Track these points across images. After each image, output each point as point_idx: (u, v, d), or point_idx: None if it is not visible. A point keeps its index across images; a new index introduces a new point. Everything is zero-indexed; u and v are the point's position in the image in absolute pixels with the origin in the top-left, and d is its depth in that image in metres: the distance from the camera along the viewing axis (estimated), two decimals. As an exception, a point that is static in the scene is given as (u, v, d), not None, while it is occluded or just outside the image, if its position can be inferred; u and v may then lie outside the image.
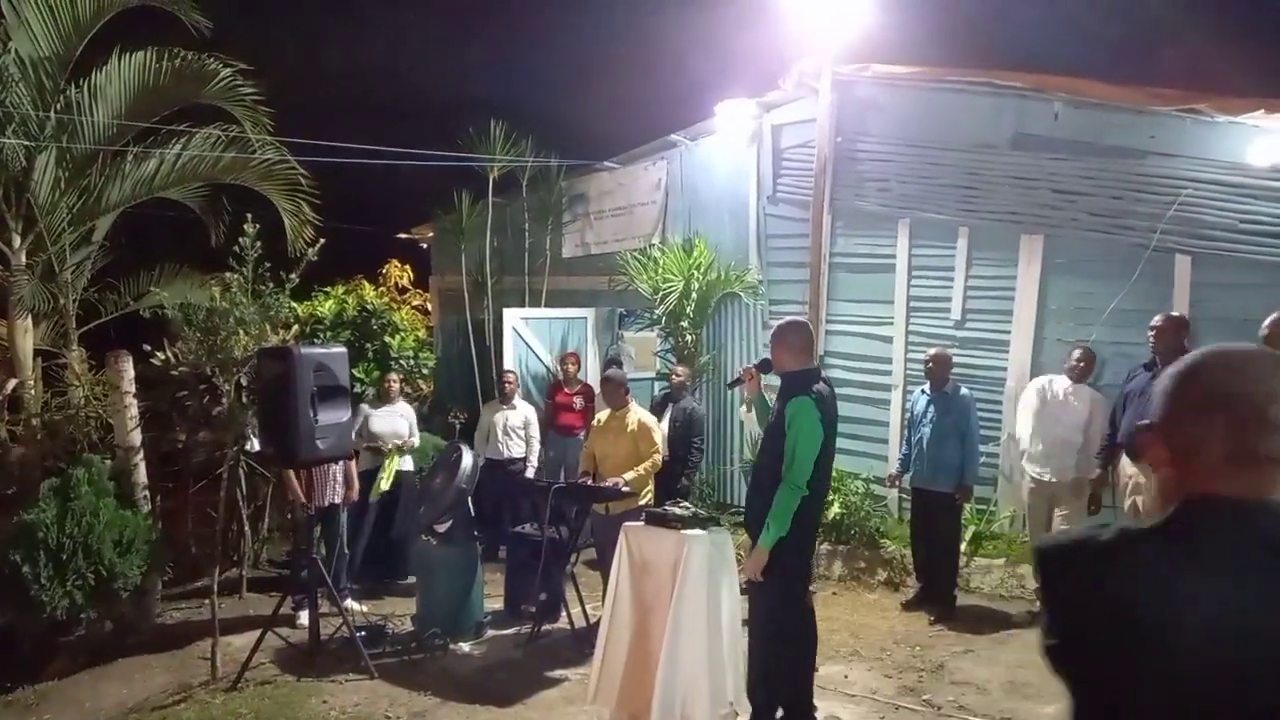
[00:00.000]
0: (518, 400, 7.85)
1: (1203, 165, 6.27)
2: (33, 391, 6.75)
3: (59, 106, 6.73)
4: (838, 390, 4.59)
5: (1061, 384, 6.02)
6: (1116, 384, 6.13)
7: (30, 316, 6.91)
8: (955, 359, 6.48)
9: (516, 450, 7.69)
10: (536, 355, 9.34)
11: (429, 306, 12.07)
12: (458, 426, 8.55)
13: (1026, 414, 6.11)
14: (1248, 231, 6.10)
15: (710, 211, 8.97)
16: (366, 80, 15.31)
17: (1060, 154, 6.83)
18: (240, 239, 5.32)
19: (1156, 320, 5.33)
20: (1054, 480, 5.89)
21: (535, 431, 7.80)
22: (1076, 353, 6.01)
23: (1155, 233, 6.35)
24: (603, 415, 6.11)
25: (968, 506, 6.53)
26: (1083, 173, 6.73)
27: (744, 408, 5.55)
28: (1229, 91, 6.49)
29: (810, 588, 4.40)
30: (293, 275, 5.50)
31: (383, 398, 7.20)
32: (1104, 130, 6.65)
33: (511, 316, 9.32)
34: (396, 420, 7.12)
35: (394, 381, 7.31)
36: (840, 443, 7.22)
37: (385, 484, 6.87)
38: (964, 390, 6.21)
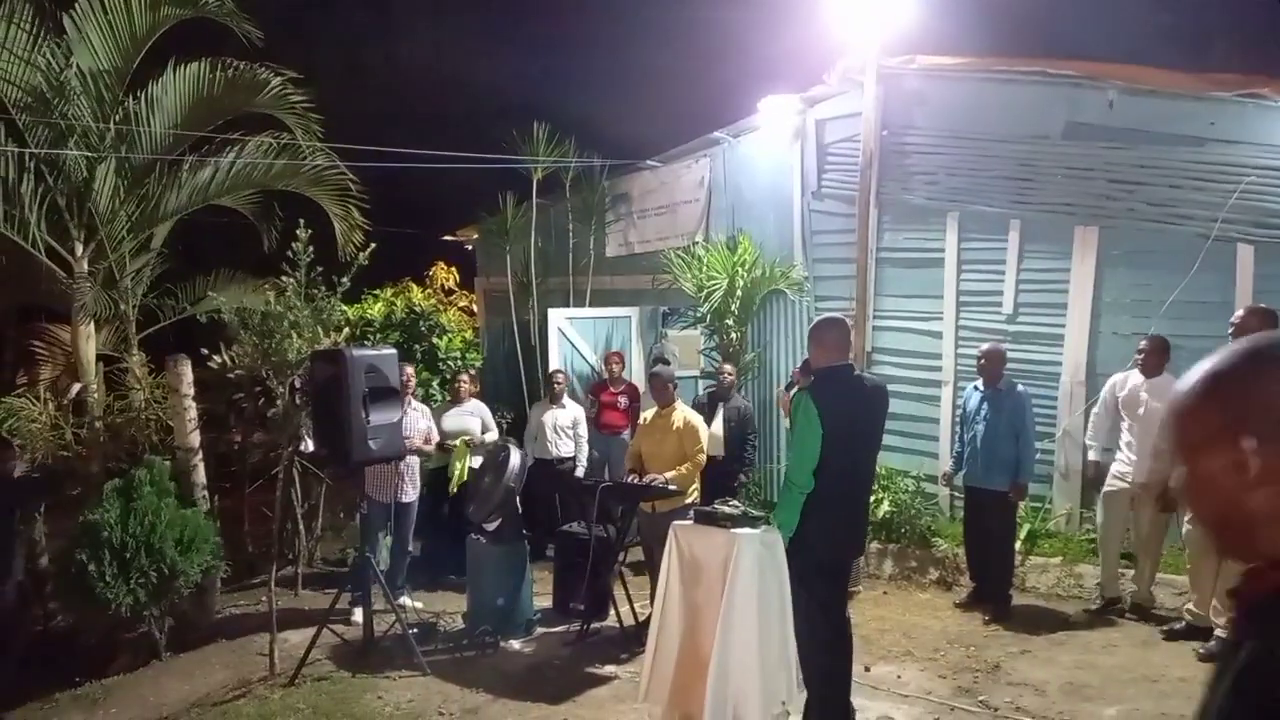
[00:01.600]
0: (567, 400, 7.90)
1: (1265, 152, 6.07)
2: (95, 395, 6.95)
3: (118, 118, 6.92)
4: (887, 390, 4.52)
5: (1134, 380, 5.84)
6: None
7: (92, 322, 7.12)
8: (1008, 354, 6.36)
9: (565, 450, 7.74)
10: (581, 355, 9.38)
11: (475, 308, 12.18)
12: (504, 426, 8.63)
13: (1097, 415, 5.98)
14: (1315, 219, 5.89)
15: (754, 208, 8.91)
16: (411, 85, 15.50)
17: (1115, 143, 6.66)
18: (293, 244, 5.42)
19: (1238, 314, 5.11)
20: (1135, 482, 5.72)
21: (584, 431, 7.85)
22: (1142, 343, 5.82)
23: (1216, 222, 6.17)
24: (649, 414, 6.11)
25: (1023, 505, 6.40)
26: (1139, 162, 6.56)
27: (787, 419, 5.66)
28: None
29: (847, 590, 4.32)
30: (344, 279, 5.60)
31: (454, 398, 7.36)
32: (1161, 118, 6.47)
33: (556, 317, 9.37)
34: (466, 419, 7.29)
35: (464, 382, 7.50)
36: (890, 440, 7.21)
37: (455, 480, 6.97)
38: (1020, 387, 6.08)
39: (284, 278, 5.43)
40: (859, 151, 7.71)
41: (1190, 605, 5.39)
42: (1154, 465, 5.61)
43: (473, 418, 7.32)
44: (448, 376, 8.24)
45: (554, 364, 9.01)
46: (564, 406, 7.81)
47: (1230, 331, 5.08)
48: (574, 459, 7.76)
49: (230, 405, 6.43)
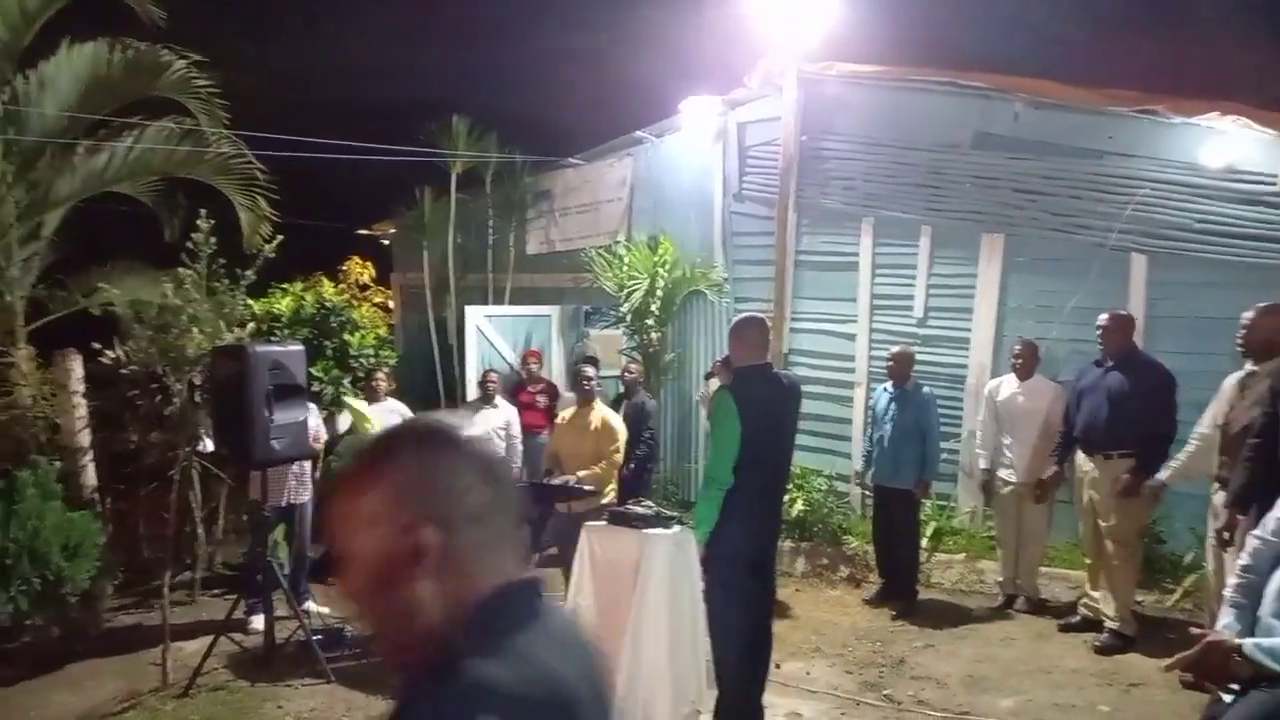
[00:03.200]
0: (499, 400, 7.74)
1: (1159, 166, 6.36)
2: (-23, 391, 6.54)
3: (5, 98, 6.52)
4: (801, 388, 4.58)
5: (1010, 384, 6.09)
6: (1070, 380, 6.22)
7: (-25, 314, 6.70)
8: (917, 356, 6.53)
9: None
10: (500, 354, 9.26)
11: (391, 304, 11.92)
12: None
13: (984, 423, 6.20)
14: (1202, 231, 6.20)
15: (676, 209, 8.94)
16: (328, 74, 15.08)
17: (1021, 154, 6.89)
18: (193, 234, 5.20)
19: (1102, 319, 5.40)
20: (1022, 481, 5.93)
21: (516, 431, 7.68)
22: (1016, 347, 6.10)
23: (1112, 232, 6.44)
24: (566, 413, 6.07)
25: (928, 503, 6.58)
26: (1043, 172, 6.80)
27: (704, 410, 5.81)
28: (1186, 93, 6.60)
29: (771, 588, 4.33)
30: (248, 272, 5.38)
31: (370, 397, 7.12)
32: (1063, 131, 6.73)
33: (474, 314, 9.24)
34: (390, 417, 7.05)
35: (381, 380, 7.22)
36: (804, 440, 7.32)
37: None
38: (925, 388, 6.25)
39: (183, 269, 5.20)
40: (779, 155, 7.82)
41: (1086, 600, 5.62)
42: (1031, 461, 5.87)
43: (393, 415, 7.13)
44: (360, 375, 8.00)
45: (471, 362, 8.88)
46: (496, 407, 7.65)
47: (1098, 334, 5.35)
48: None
49: (125, 403, 6.12)
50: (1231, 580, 2.66)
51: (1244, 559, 2.64)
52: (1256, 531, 2.67)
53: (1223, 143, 6.06)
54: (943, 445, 6.51)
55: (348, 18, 15.38)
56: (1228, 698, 2.40)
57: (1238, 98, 6.30)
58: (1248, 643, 2.34)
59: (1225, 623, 2.55)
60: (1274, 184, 5.92)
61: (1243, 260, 6.02)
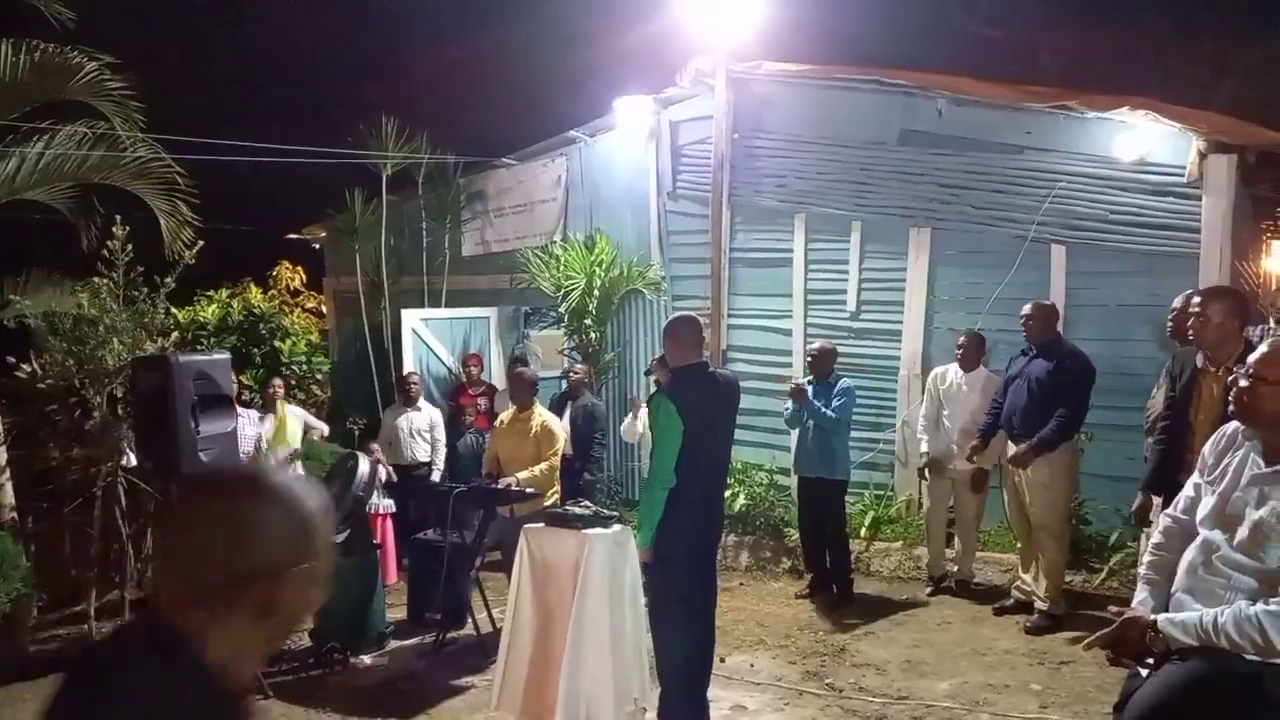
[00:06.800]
0: (422, 403, 7.70)
1: (1074, 159, 6.58)
2: (-118, 411, 6.23)
3: (-98, 102, 6.21)
4: (740, 384, 4.62)
5: (954, 374, 6.22)
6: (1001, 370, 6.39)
7: (-124, 329, 6.38)
8: (852, 349, 6.64)
9: (422, 454, 7.54)
10: (438, 357, 9.14)
11: (324, 309, 11.67)
12: (357, 433, 8.32)
13: (925, 410, 6.31)
14: (1116, 222, 6.44)
15: (611, 208, 8.94)
16: (253, 75, 14.71)
17: (945, 150, 7.06)
18: (109, 242, 5.03)
19: (1025, 309, 5.56)
20: (954, 467, 6.08)
21: (441, 434, 7.66)
22: (961, 338, 6.23)
23: (1033, 224, 6.65)
24: (505, 416, 6.02)
25: (865, 493, 6.69)
26: (966, 168, 6.98)
27: (630, 417, 5.95)
28: (1099, 89, 6.85)
29: (714, 585, 4.34)
30: (168, 279, 5.22)
31: (267, 406, 7.05)
32: (984, 126, 6.92)
33: (410, 318, 9.10)
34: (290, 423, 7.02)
35: (277, 387, 7.17)
36: (743, 435, 7.36)
37: None
38: (845, 381, 6.26)
39: (99, 279, 5.02)
40: (711, 153, 7.88)
41: (1019, 584, 5.79)
42: (968, 450, 5.94)
43: (295, 420, 7.12)
44: (293, 382, 7.84)
45: (409, 366, 8.76)
46: (419, 409, 7.61)
47: (1022, 323, 5.52)
48: (430, 463, 7.57)
49: (43, 418, 5.90)
50: (1146, 558, 2.76)
51: (1157, 537, 2.75)
52: (1168, 511, 2.78)
53: (1134, 136, 6.29)
54: (877, 435, 6.61)
55: (272, 18, 15.01)
56: (1144, 671, 2.49)
57: (1147, 91, 6.57)
58: (1161, 618, 2.44)
59: (1140, 599, 2.65)
60: (1183, 175, 6.18)
61: (1155, 249, 6.27)
